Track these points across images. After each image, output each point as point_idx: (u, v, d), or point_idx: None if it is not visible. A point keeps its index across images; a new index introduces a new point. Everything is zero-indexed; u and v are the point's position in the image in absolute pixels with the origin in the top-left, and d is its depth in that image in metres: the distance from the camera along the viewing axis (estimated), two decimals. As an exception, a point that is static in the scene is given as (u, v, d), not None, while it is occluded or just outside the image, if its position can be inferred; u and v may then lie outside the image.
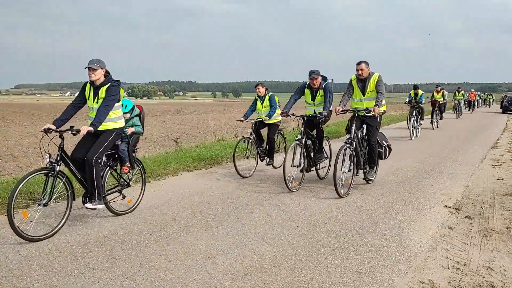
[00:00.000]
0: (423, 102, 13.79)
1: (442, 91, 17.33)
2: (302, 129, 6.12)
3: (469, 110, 28.48)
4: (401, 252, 3.78)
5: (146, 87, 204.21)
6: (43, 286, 3.10)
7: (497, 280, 3.32)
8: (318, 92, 6.43)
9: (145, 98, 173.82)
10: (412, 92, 14.06)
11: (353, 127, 5.85)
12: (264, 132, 7.81)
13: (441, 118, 17.43)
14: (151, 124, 27.46)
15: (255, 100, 7.74)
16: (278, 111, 7.49)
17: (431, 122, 16.17)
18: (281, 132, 8.13)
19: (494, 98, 43.15)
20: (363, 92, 6.09)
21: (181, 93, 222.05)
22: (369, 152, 6.16)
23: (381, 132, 6.50)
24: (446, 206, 5.35)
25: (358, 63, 6.00)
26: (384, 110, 6.15)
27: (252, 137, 7.39)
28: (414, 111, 13.26)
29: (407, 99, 13.96)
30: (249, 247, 3.85)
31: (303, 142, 6.04)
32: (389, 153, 6.48)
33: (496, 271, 3.49)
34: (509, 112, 28.38)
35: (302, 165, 6.16)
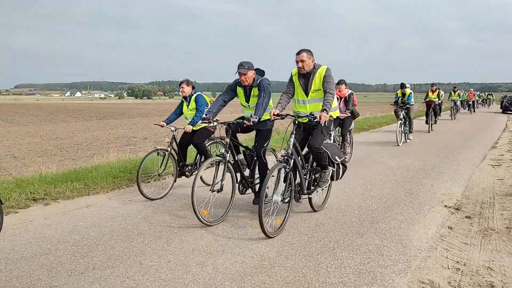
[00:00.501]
0: (412, 103, 12.07)
1: (437, 90, 15.97)
2: (228, 140, 4.69)
3: (468, 110, 27.80)
4: (401, 252, 3.78)
5: (146, 87, 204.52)
6: (43, 286, 3.10)
7: (497, 280, 3.32)
8: (252, 91, 4.91)
9: (145, 98, 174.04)
10: (399, 91, 12.29)
11: (292, 139, 4.40)
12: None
13: (435, 121, 16.00)
14: (151, 124, 27.46)
15: (181, 102, 6.26)
16: None
17: (426, 122, 15.08)
18: (223, 141, 6.07)
19: (494, 98, 43.08)
20: (306, 91, 4.68)
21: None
22: (315, 159, 4.73)
23: (334, 144, 5.19)
24: (446, 206, 5.35)
25: (298, 53, 4.57)
26: (333, 117, 4.80)
27: (169, 149, 5.82)
28: (402, 113, 11.55)
29: (394, 100, 12.12)
30: (249, 247, 3.85)
31: (227, 157, 4.59)
32: (343, 172, 4.96)
33: (496, 271, 3.49)
34: (509, 112, 28.38)
35: (235, 187, 4.81)
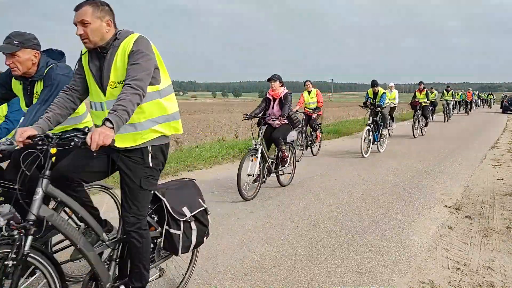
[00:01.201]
0: (384, 105, 9.58)
1: (425, 90, 13.96)
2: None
3: (465, 111, 26.66)
4: (401, 252, 3.78)
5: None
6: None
7: (497, 280, 3.33)
8: (36, 86, 2.90)
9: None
10: (369, 90, 9.87)
11: (38, 196, 2.07)
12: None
13: (426, 124, 14.05)
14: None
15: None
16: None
17: (413, 127, 12.90)
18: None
19: (494, 98, 42.89)
20: (102, 84, 2.40)
21: (181, 93, 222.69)
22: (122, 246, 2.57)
23: (185, 183, 2.88)
24: (446, 206, 5.35)
25: (76, 8, 2.30)
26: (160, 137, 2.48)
27: None
28: (371, 118, 9.16)
29: (364, 100, 9.75)
30: (249, 247, 3.85)
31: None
32: (201, 235, 2.78)
33: (496, 271, 3.49)
34: (509, 112, 28.34)
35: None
